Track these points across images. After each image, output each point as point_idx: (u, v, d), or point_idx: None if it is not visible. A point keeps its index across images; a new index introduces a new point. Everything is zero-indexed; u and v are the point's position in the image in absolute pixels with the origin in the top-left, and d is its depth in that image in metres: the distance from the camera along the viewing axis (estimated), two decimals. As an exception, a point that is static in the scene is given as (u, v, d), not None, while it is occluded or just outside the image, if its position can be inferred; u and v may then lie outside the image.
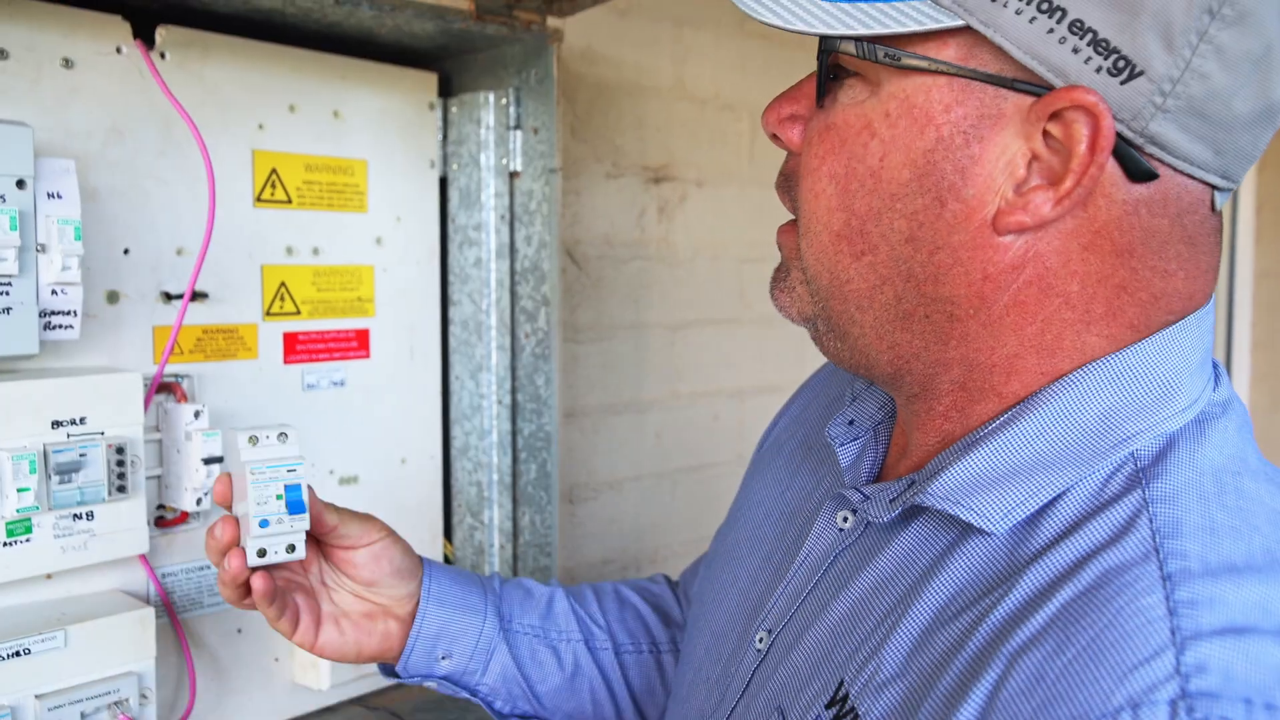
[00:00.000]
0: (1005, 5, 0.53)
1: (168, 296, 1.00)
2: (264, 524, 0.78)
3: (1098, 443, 0.56)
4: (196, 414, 0.97)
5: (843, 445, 0.72)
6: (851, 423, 0.72)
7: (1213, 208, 0.58)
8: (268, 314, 1.09)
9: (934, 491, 0.58)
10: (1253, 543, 0.52)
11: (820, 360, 0.80)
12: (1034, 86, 0.54)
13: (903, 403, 0.66)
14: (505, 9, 1.11)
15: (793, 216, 0.67)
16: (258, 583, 0.78)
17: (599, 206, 1.49)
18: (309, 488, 0.82)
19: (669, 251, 1.58)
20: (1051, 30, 0.53)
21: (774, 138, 0.66)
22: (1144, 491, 0.54)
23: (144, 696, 0.92)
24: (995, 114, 0.55)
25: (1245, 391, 3.41)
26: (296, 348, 1.11)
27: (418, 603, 0.87)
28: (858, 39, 0.57)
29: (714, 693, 0.73)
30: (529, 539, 1.24)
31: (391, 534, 0.87)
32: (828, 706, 0.60)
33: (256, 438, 0.81)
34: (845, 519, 0.67)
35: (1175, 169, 0.55)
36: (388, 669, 0.90)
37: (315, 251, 1.13)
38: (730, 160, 1.70)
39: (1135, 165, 0.55)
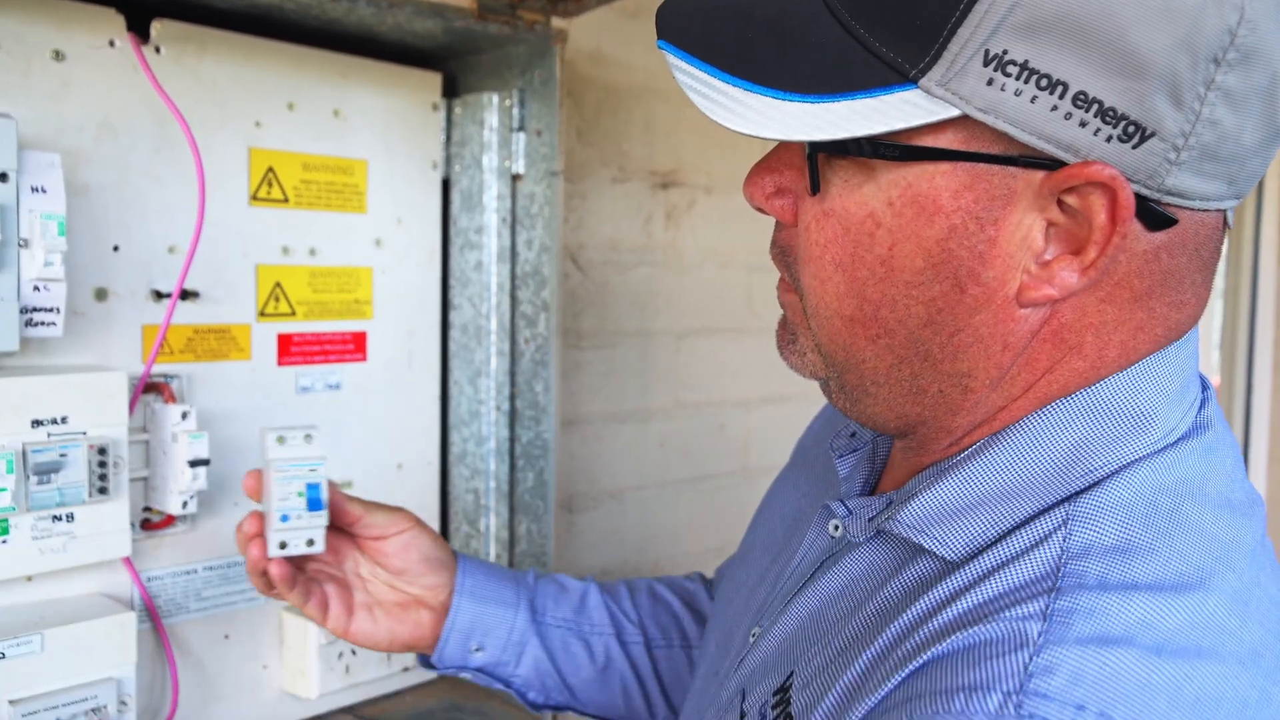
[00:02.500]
0: (1003, 89, 0.50)
1: (158, 295, 0.98)
2: (285, 518, 0.84)
3: (1065, 475, 0.56)
4: (184, 415, 0.95)
5: (841, 457, 0.72)
6: (854, 435, 0.73)
7: (1226, 225, 0.57)
8: (261, 314, 1.07)
9: (902, 520, 0.59)
10: (1168, 564, 0.51)
11: None
12: (1043, 160, 0.52)
13: (900, 443, 0.67)
14: (508, 8, 1.09)
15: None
16: (274, 569, 0.84)
17: (604, 211, 1.47)
18: (329, 484, 0.87)
19: (676, 258, 1.56)
20: (1055, 107, 0.50)
21: (760, 210, 0.63)
22: (1069, 507, 0.54)
23: (123, 703, 0.90)
24: (1006, 194, 0.53)
25: (1266, 411, 3.35)
26: (291, 349, 1.09)
27: (451, 594, 0.91)
28: (849, 140, 0.53)
29: (720, 686, 0.74)
30: (525, 548, 1.22)
31: (419, 524, 0.92)
32: (774, 694, 0.63)
33: (285, 437, 0.87)
34: (836, 528, 0.67)
35: (1193, 209, 0.53)
36: (425, 660, 0.94)
37: (312, 252, 1.11)
38: (741, 167, 1.66)
39: (1155, 217, 0.53)
